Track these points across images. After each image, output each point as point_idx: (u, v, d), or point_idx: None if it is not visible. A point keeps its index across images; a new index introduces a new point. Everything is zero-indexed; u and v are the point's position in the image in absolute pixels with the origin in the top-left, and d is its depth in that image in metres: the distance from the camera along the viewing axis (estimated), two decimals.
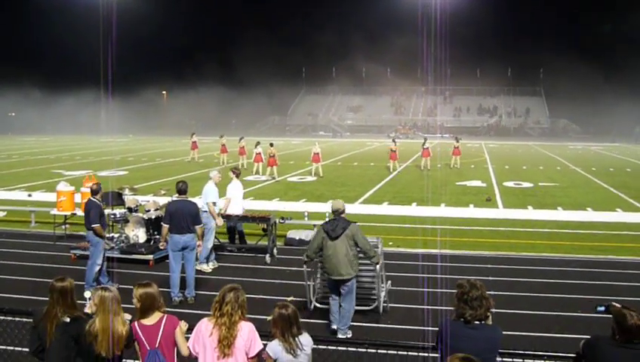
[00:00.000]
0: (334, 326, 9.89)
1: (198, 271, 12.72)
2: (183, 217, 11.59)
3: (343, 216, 10.05)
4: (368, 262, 10.29)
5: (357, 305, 10.16)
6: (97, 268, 12.16)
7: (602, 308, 5.56)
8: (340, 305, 9.90)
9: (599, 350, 5.16)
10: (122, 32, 67.72)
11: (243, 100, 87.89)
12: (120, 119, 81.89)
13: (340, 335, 9.63)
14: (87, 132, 76.89)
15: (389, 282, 11.55)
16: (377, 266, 10.32)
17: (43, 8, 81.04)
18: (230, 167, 17.57)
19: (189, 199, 12.22)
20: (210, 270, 13.73)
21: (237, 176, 15.69)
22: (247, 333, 5.78)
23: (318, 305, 10.81)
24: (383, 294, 10.75)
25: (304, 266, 10.32)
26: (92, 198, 12.28)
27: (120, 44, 64.15)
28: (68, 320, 5.92)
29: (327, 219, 11.47)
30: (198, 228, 11.79)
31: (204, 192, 14.03)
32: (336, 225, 9.86)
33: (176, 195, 12.32)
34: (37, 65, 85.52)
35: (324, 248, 9.89)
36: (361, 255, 10.05)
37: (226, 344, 5.68)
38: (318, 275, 10.92)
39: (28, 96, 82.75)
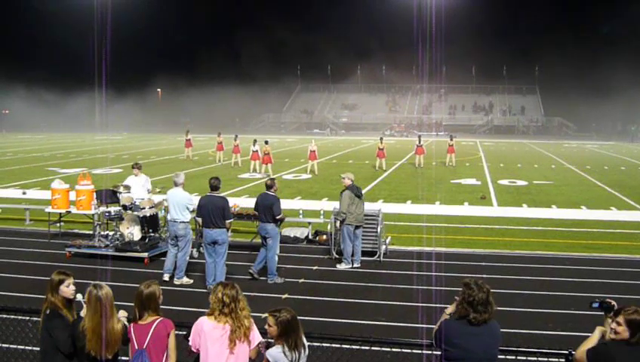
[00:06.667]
0: (353, 264, 14.00)
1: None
2: (209, 212, 12.10)
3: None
4: (375, 224, 14.71)
5: (366, 256, 14.49)
6: (277, 257, 13.02)
7: (596, 304, 5.55)
8: (353, 247, 14.07)
9: (613, 355, 5.08)
10: (118, 30, 67.88)
11: (237, 98, 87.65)
12: (115, 117, 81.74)
13: (356, 265, 13.99)
14: (81, 130, 76.71)
15: (389, 238, 15.67)
16: (379, 228, 14.62)
17: (39, 5, 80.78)
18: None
19: (218, 194, 12.48)
20: (191, 282, 12.77)
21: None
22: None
23: (336, 256, 14.62)
24: (383, 247, 14.70)
25: (338, 224, 14.24)
26: (267, 192, 13.22)
27: (116, 41, 64.27)
28: (48, 312, 6.00)
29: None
30: (227, 222, 12.22)
31: (175, 201, 12.88)
32: (358, 188, 14.28)
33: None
34: (32, 63, 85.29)
35: (352, 205, 13.89)
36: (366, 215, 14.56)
37: (244, 337, 5.75)
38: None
39: (22, 93, 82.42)
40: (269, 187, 13.25)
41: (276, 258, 12.98)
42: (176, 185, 13.10)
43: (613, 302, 5.42)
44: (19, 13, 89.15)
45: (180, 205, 12.76)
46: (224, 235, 12.25)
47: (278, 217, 12.92)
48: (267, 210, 12.86)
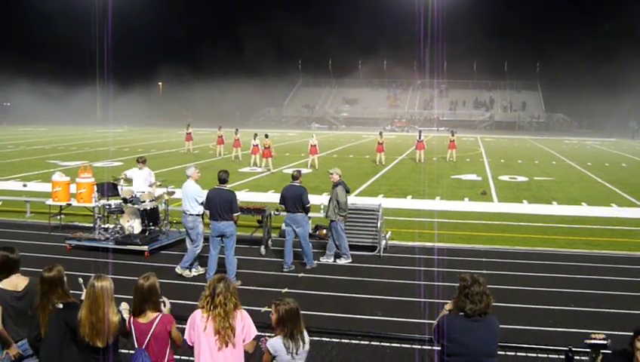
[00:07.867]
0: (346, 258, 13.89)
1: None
2: (217, 204, 12.18)
3: None
4: (375, 219, 14.57)
5: (366, 250, 14.50)
6: (311, 244, 13.65)
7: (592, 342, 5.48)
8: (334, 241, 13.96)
9: None
10: (119, 23, 67.77)
11: (238, 92, 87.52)
12: (120, 110, 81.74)
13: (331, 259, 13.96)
14: (84, 123, 76.67)
15: (389, 233, 15.44)
16: (379, 223, 14.44)
17: (40, 5, 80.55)
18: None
19: (226, 188, 12.50)
20: (192, 275, 12.81)
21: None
22: (241, 320, 5.80)
23: (336, 250, 14.07)
24: (383, 242, 14.53)
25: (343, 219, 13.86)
26: (293, 184, 13.53)
27: (119, 35, 64.25)
28: (61, 306, 5.96)
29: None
30: (234, 215, 12.30)
31: (185, 193, 13.01)
32: (345, 183, 14.09)
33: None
34: (34, 56, 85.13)
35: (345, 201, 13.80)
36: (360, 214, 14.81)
37: (226, 334, 5.68)
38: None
39: (26, 86, 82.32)
40: (295, 178, 13.58)
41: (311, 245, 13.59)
42: (187, 177, 13.19)
43: (602, 336, 5.38)
44: (23, 7, 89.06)
45: (189, 197, 12.82)
46: (232, 228, 12.30)
47: (307, 206, 13.34)
48: (296, 200, 13.22)
